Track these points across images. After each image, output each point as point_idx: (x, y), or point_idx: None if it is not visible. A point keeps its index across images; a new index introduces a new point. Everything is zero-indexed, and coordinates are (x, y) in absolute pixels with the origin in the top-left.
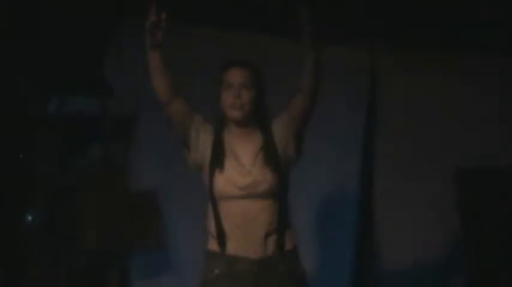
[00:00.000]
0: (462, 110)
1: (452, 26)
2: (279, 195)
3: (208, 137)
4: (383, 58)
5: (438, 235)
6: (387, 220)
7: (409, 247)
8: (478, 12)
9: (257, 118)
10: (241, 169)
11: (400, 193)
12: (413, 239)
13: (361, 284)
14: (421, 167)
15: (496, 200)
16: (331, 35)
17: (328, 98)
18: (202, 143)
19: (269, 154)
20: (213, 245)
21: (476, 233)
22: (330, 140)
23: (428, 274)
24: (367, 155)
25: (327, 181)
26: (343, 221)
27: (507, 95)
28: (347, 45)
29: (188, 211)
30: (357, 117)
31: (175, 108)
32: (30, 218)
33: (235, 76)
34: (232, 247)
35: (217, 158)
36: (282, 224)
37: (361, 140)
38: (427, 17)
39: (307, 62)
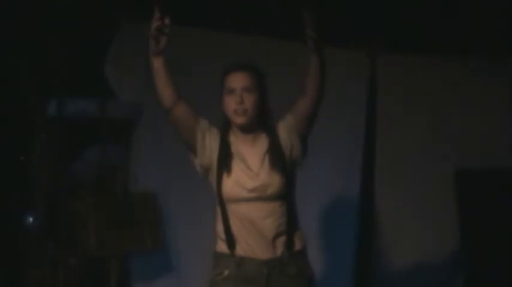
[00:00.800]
0: (462, 110)
1: (451, 26)
2: (287, 197)
3: (215, 140)
4: (383, 59)
5: (438, 235)
6: (388, 220)
7: (410, 247)
8: (477, 13)
9: (261, 120)
10: (249, 171)
11: (401, 194)
12: (413, 239)
13: (362, 285)
14: (421, 168)
15: (496, 200)
16: (331, 36)
17: (328, 99)
18: (208, 146)
19: (276, 156)
20: (222, 247)
21: (476, 233)
22: (331, 141)
23: (428, 274)
24: (367, 156)
25: (327, 182)
26: (344, 223)
27: (507, 95)
28: (347, 46)
29: (188, 212)
30: (357, 118)
31: (179, 113)
32: (30, 219)
33: (237, 80)
34: (241, 249)
35: (225, 160)
36: (290, 225)
37: (362, 141)
38: (427, 18)
39: (311, 64)
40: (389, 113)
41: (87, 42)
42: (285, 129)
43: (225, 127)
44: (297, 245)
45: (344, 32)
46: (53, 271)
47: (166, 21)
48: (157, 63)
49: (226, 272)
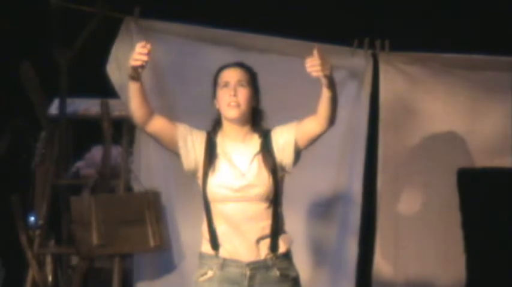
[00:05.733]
0: (463, 109)
1: (453, 24)
2: (273, 200)
3: (199, 142)
4: (383, 58)
5: (440, 235)
6: (388, 220)
7: (411, 247)
8: (480, 11)
9: (253, 120)
10: (236, 171)
11: (401, 193)
12: (414, 239)
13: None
14: (422, 167)
15: (498, 200)
16: (331, 35)
17: None
18: (192, 149)
19: (265, 159)
20: (206, 248)
21: (478, 232)
22: (332, 141)
23: (429, 274)
24: (369, 156)
25: (329, 183)
26: (346, 223)
27: (508, 94)
28: (348, 45)
29: (189, 211)
30: (358, 117)
31: (154, 128)
32: (32, 218)
33: (231, 75)
34: (225, 250)
35: (210, 161)
36: (275, 228)
37: (364, 140)
38: (428, 15)
39: (322, 97)
40: (390, 113)
41: (88, 41)
42: (283, 136)
43: (214, 127)
44: (282, 248)
45: (344, 31)
46: (55, 270)
47: (148, 53)
48: (134, 88)
49: (210, 273)
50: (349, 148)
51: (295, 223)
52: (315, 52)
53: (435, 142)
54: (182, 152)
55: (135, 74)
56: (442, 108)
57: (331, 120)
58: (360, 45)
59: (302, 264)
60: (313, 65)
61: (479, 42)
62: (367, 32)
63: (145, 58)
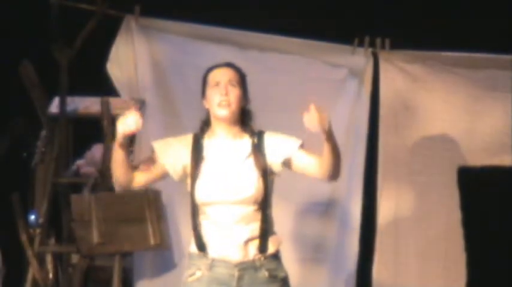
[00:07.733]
0: (464, 107)
1: (453, 23)
2: (262, 202)
3: (184, 147)
4: (384, 57)
5: (439, 235)
6: (388, 220)
7: (411, 247)
8: (479, 9)
9: (242, 121)
10: (225, 174)
11: (402, 193)
12: (414, 238)
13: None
14: (423, 166)
15: (497, 199)
16: (332, 34)
17: (328, 98)
18: (178, 158)
19: (257, 160)
20: (195, 248)
21: (477, 232)
22: None
23: (429, 273)
24: (369, 155)
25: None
26: (346, 223)
27: (508, 93)
28: (348, 43)
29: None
30: (358, 116)
31: (140, 182)
32: (32, 217)
33: (222, 74)
34: (214, 251)
35: (198, 164)
36: (264, 230)
37: (364, 139)
38: (428, 14)
39: (324, 149)
40: (391, 112)
41: (88, 40)
42: (280, 146)
43: (201, 128)
44: (270, 249)
45: (345, 29)
46: (56, 268)
47: (140, 121)
48: (119, 155)
49: (198, 274)
50: (349, 146)
51: (295, 223)
52: (312, 107)
53: (435, 141)
54: (169, 168)
55: (124, 141)
56: (442, 106)
57: (333, 176)
58: (361, 44)
59: (302, 264)
60: (310, 120)
61: (480, 40)
62: (367, 30)
63: (140, 126)
